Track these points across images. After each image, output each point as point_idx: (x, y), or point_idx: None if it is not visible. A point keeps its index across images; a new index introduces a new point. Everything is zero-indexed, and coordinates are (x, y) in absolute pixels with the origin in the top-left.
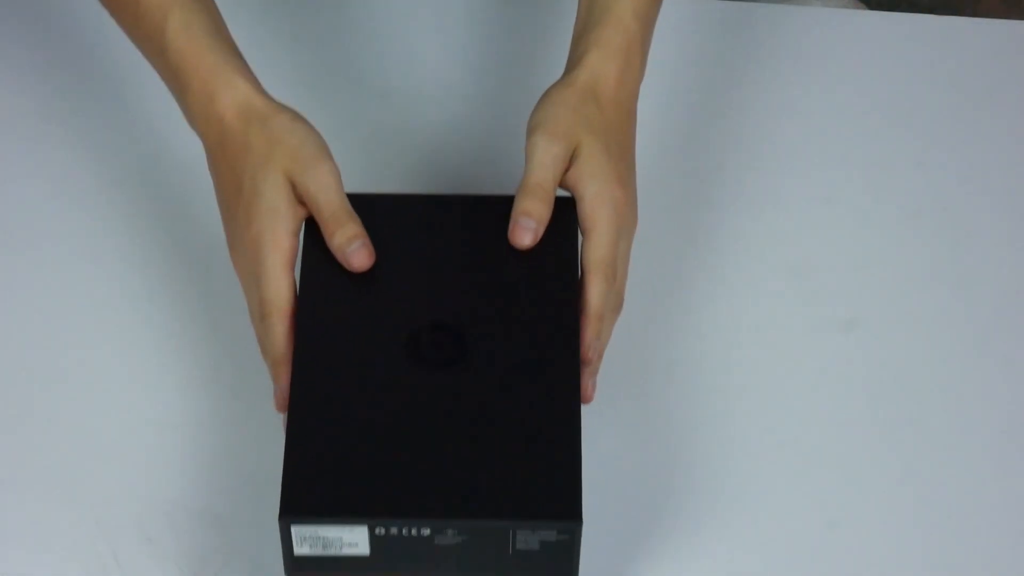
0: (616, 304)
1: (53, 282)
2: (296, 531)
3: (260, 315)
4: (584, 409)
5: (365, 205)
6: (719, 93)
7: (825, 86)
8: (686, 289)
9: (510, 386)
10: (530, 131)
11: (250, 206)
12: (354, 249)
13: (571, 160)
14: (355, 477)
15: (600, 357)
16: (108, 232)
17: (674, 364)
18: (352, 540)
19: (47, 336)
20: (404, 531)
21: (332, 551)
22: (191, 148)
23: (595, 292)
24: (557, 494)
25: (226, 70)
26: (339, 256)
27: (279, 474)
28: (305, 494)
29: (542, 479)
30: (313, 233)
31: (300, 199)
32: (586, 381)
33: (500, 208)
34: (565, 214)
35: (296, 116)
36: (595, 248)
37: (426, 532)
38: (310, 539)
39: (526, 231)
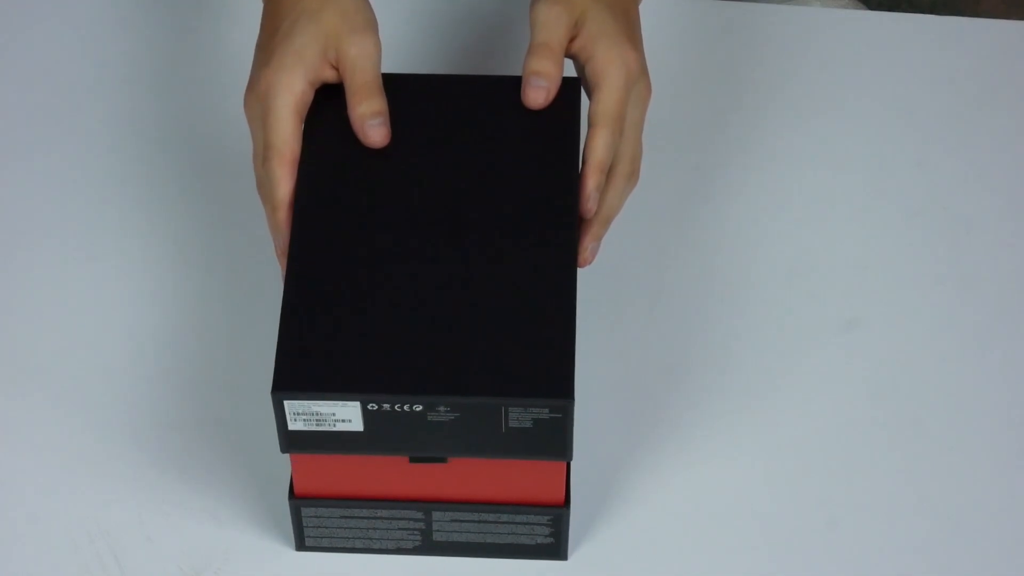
0: (629, 171)
1: (53, 281)
2: (289, 406)
3: (263, 157)
4: (583, 409)
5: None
6: (719, 93)
7: (825, 86)
8: (686, 289)
9: (506, 261)
10: (532, 4)
11: (278, 47)
12: (375, 124)
13: (577, 28)
14: (349, 352)
15: (606, 222)
16: (109, 231)
17: (673, 364)
18: (345, 416)
19: (47, 335)
20: (397, 407)
21: (326, 427)
22: (192, 147)
23: (598, 143)
24: (549, 371)
25: None
26: (357, 127)
27: (279, 474)
28: (298, 369)
29: (535, 356)
30: (320, 103)
31: (333, 63)
32: (585, 243)
33: (507, 87)
34: (569, 94)
35: None
36: (601, 102)
37: (419, 408)
38: (304, 414)
39: (538, 90)
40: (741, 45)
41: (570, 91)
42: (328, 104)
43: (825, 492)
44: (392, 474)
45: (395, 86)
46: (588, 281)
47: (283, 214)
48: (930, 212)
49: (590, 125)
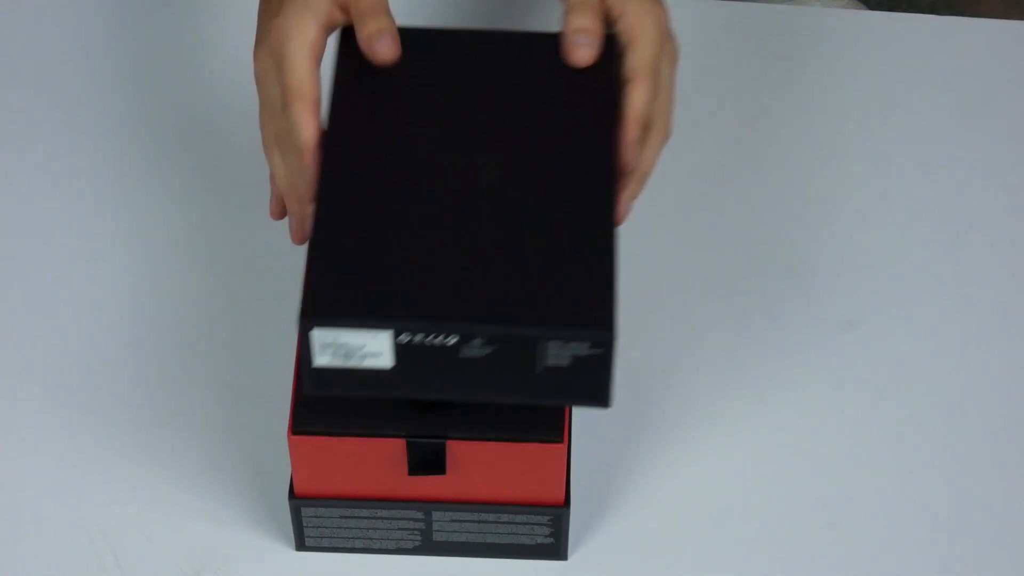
0: (662, 127)
1: (53, 281)
2: (318, 336)
3: (283, 103)
4: (582, 410)
5: (412, 38)
6: (718, 93)
7: (825, 86)
8: (686, 289)
9: (544, 197)
10: None
11: None
12: (382, 40)
13: None
14: (381, 281)
15: (642, 179)
16: (109, 231)
17: (673, 364)
18: (375, 349)
19: (47, 335)
20: (429, 339)
21: (354, 362)
22: (192, 146)
23: (637, 97)
24: (590, 305)
25: None
26: (365, 47)
27: (279, 474)
28: (328, 297)
29: (575, 290)
30: (347, 46)
31: (342, 4)
32: (623, 198)
33: (539, 43)
34: (607, 48)
35: None
36: (636, 57)
37: (452, 341)
38: (332, 346)
39: (582, 47)
40: (741, 45)
41: (608, 46)
42: (349, 46)
43: (825, 492)
44: (392, 474)
45: (427, 41)
46: None
47: (310, 157)
48: (930, 212)
49: (626, 80)
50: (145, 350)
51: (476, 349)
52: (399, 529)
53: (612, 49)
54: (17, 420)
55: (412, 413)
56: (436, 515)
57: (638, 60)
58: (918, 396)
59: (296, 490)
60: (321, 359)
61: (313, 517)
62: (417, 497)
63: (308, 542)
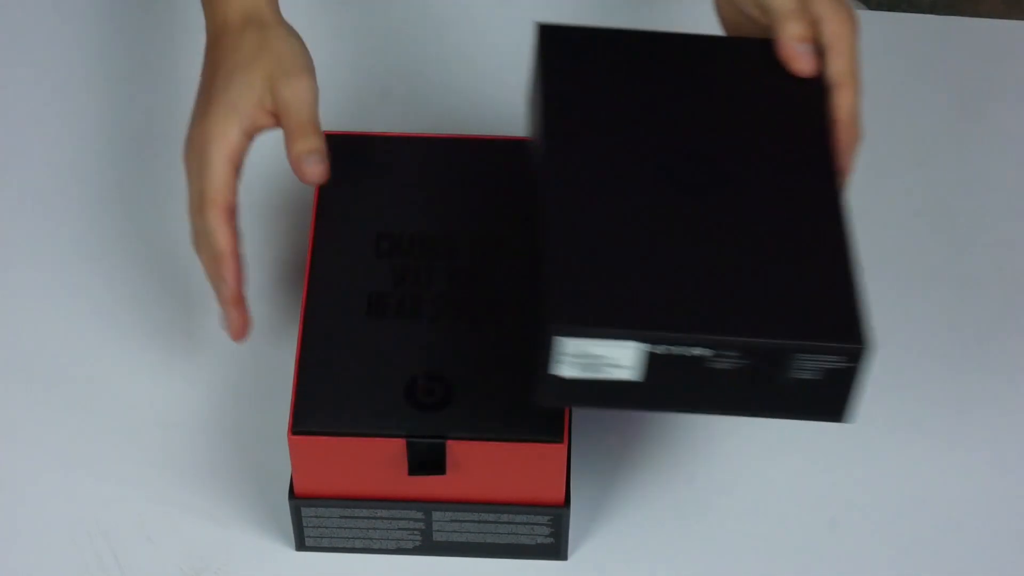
0: (860, 130)
1: (53, 281)
2: (561, 344)
3: (198, 207)
4: (581, 412)
5: (613, 39)
6: None
7: None
8: None
9: (773, 204)
10: None
11: (212, 99)
12: (311, 161)
13: None
14: (625, 288)
15: (845, 183)
16: (110, 231)
17: None
18: (622, 360)
19: (47, 336)
20: (680, 350)
21: (596, 374)
22: None
23: (847, 101)
24: (843, 317)
25: None
26: (294, 166)
27: (279, 474)
28: (576, 305)
29: (823, 302)
30: (548, 43)
31: (271, 110)
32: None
33: (743, 48)
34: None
35: (293, 31)
36: (843, 61)
37: (704, 352)
38: (574, 356)
39: (806, 55)
40: None
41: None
42: (560, 45)
43: (825, 492)
44: (392, 474)
45: (632, 43)
46: None
47: (228, 263)
48: (930, 212)
49: (835, 84)
50: (145, 350)
51: (726, 362)
52: (399, 529)
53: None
54: (17, 420)
55: (412, 413)
56: (436, 515)
57: (844, 65)
58: (918, 396)
59: (296, 490)
60: (563, 369)
61: (313, 517)
62: (417, 497)
63: (308, 542)
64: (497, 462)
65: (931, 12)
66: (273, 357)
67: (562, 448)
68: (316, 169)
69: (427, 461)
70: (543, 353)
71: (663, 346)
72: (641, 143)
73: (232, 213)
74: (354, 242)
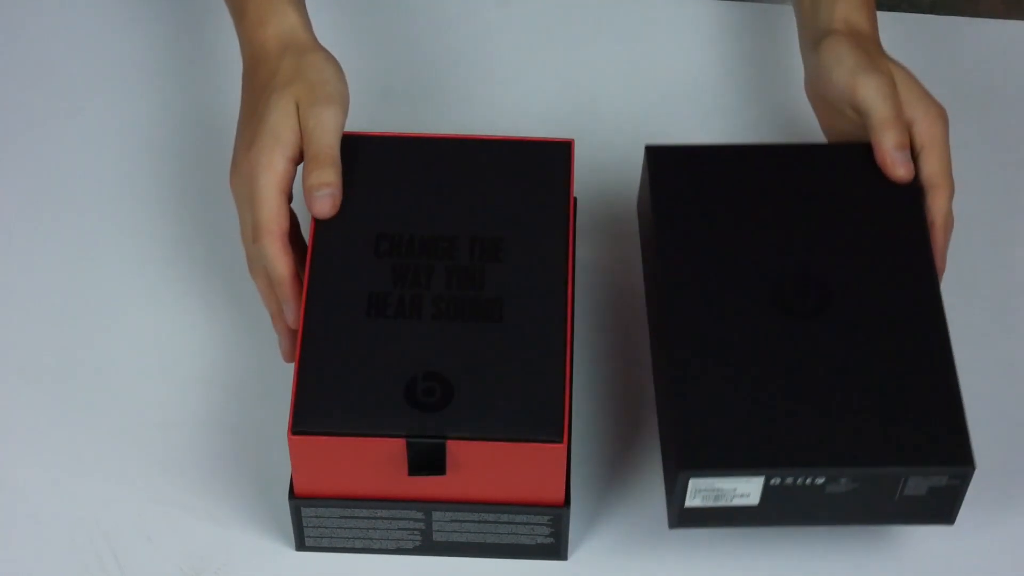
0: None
1: (55, 281)
2: (693, 484)
3: (252, 237)
4: (584, 411)
5: (713, 155)
6: (721, 93)
7: None
8: None
9: (877, 324)
10: (850, 74)
11: (256, 128)
12: (321, 195)
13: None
14: (748, 428)
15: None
16: (111, 231)
17: None
18: (745, 491)
19: (48, 336)
20: (798, 481)
21: (722, 502)
22: (193, 147)
23: (942, 203)
24: (946, 438)
25: (281, 1)
26: (306, 196)
27: (279, 474)
28: (703, 447)
29: (929, 423)
30: (656, 164)
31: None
32: None
33: (835, 155)
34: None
35: (330, 57)
36: (936, 163)
37: (820, 481)
38: (704, 491)
39: (905, 164)
40: (742, 45)
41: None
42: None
43: None
44: (392, 474)
45: (735, 157)
46: (586, 282)
47: (288, 288)
48: None
49: (930, 186)
50: (145, 350)
51: (841, 486)
52: (399, 529)
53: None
54: (17, 420)
55: (412, 413)
56: (436, 515)
57: (938, 166)
58: None
59: (296, 490)
60: (692, 502)
61: (313, 517)
62: (417, 497)
63: (308, 542)
64: (497, 462)
65: (931, 12)
66: (273, 357)
67: (562, 448)
68: (322, 204)
69: (427, 461)
70: (678, 490)
71: (781, 479)
72: (751, 265)
73: (287, 239)
74: (354, 242)
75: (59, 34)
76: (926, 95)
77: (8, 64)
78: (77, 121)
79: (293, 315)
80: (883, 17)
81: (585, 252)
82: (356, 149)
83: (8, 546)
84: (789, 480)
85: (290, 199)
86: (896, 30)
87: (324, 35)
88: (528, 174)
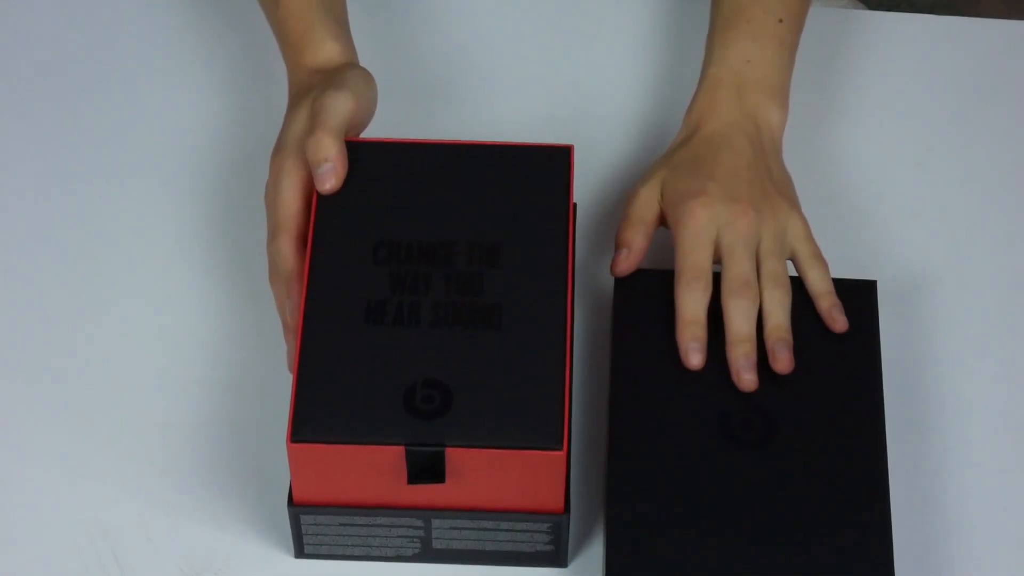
0: (737, 288)
1: (55, 281)
2: None
3: (272, 237)
4: (583, 414)
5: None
6: None
7: (825, 86)
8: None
9: (818, 465)
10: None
11: (282, 135)
12: (323, 171)
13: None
14: (676, 551)
15: (737, 343)
16: (111, 231)
17: None
18: None
19: (48, 336)
20: None
21: None
22: (194, 146)
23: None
24: (869, 571)
25: (320, 30)
26: (312, 172)
27: (279, 475)
28: (628, 559)
29: (855, 560)
30: (623, 289)
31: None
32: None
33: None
34: (865, 296)
35: (367, 73)
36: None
37: None
38: None
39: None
40: None
41: (866, 292)
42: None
43: None
44: (391, 482)
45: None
46: (585, 281)
47: (295, 286)
48: (930, 212)
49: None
50: (146, 351)
51: None
52: (398, 537)
53: (870, 294)
54: (17, 420)
55: (411, 421)
56: (435, 523)
57: (682, 264)
58: (919, 396)
59: (295, 498)
60: None
61: (312, 524)
62: (416, 505)
63: (307, 549)
64: (496, 469)
65: (931, 12)
66: (274, 359)
67: (561, 456)
68: (324, 179)
69: (426, 469)
70: None
71: None
72: (701, 392)
73: (303, 241)
74: (352, 249)
75: (59, 34)
76: (685, 195)
77: (8, 64)
78: (77, 121)
79: (294, 318)
80: (883, 17)
81: (585, 257)
82: (353, 155)
83: (8, 546)
84: None
85: (311, 204)
86: (896, 30)
87: None
88: (527, 179)
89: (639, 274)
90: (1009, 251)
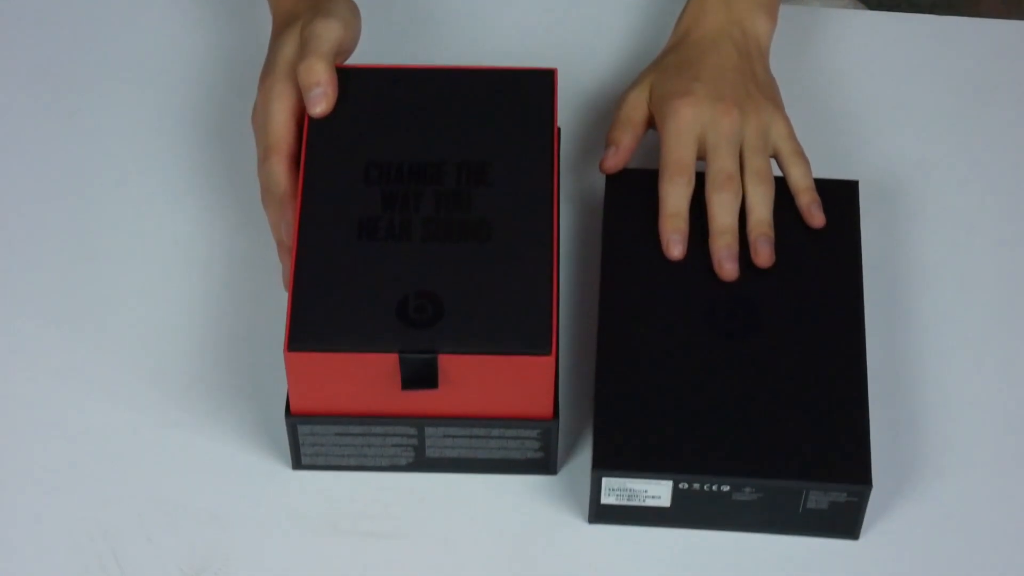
0: (720, 182)
1: (54, 281)
2: (606, 482)
3: (263, 159)
4: (582, 415)
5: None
6: None
7: (825, 86)
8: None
9: (799, 354)
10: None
11: (270, 62)
12: (314, 95)
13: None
14: (661, 435)
15: (719, 234)
16: (110, 231)
17: None
18: (656, 493)
19: (48, 336)
20: (705, 487)
21: (635, 502)
22: (195, 146)
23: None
24: (848, 457)
25: None
26: (304, 97)
27: (279, 473)
28: (616, 449)
29: (833, 442)
30: (613, 187)
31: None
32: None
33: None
34: (847, 195)
35: (352, 3)
36: (666, 154)
37: (725, 488)
38: (617, 490)
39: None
40: None
41: (848, 192)
42: (624, 202)
43: None
44: (386, 390)
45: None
46: (585, 281)
47: (288, 206)
48: (930, 212)
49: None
50: (145, 349)
51: (746, 495)
52: (393, 446)
53: (852, 193)
54: (17, 420)
55: (404, 330)
56: (429, 431)
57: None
58: (918, 396)
59: (292, 408)
60: (607, 499)
61: (309, 435)
62: (410, 413)
63: (304, 460)
64: (487, 376)
65: (931, 12)
66: (273, 357)
67: (550, 361)
68: (315, 102)
69: (419, 375)
70: (593, 487)
71: (688, 484)
72: (688, 285)
73: (295, 161)
74: (344, 170)
75: (59, 34)
76: (673, 93)
77: (8, 64)
78: (77, 121)
79: (288, 237)
80: (883, 17)
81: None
82: (343, 81)
83: (8, 546)
84: (696, 486)
85: (301, 127)
86: (896, 30)
87: None
88: (513, 102)
89: (629, 173)
90: (1010, 251)
